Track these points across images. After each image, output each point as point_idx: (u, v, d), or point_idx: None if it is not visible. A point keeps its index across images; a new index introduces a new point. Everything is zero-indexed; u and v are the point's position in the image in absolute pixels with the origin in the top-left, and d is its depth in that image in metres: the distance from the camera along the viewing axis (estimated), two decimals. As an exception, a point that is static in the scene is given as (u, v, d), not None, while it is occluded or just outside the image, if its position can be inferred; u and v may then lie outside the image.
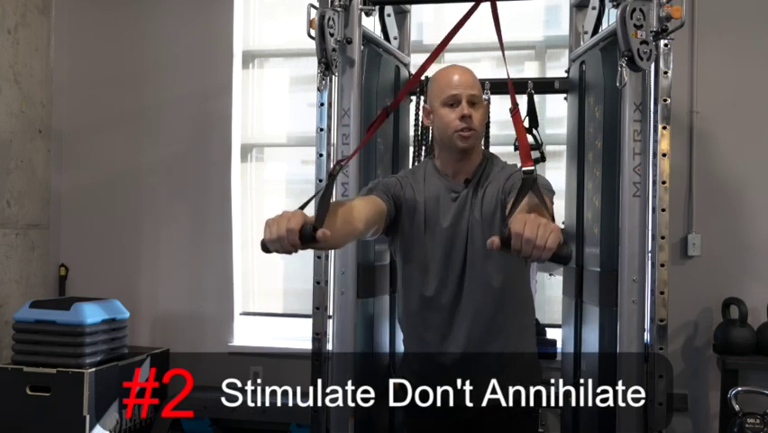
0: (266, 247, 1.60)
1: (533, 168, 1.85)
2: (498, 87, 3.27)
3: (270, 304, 4.41)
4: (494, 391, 2.03)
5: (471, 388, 2.03)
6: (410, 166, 3.25)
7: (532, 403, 2.10)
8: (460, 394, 2.05)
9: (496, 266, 2.00)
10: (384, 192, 2.02)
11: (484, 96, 3.07)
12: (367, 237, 2.01)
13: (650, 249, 2.65)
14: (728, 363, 3.48)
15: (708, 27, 3.72)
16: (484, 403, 2.04)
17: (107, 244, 4.41)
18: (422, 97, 3.32)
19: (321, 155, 2.82)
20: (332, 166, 2.70)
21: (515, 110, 2.02)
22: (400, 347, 2.34)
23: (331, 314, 2.78)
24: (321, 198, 1.69)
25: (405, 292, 2.13)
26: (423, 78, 3.34)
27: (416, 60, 3.86)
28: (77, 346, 3.64)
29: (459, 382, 2.04)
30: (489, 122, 3.19)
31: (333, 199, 2.71)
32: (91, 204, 4.44)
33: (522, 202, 1.72)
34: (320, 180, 2.84)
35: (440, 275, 2.04)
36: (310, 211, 1.67)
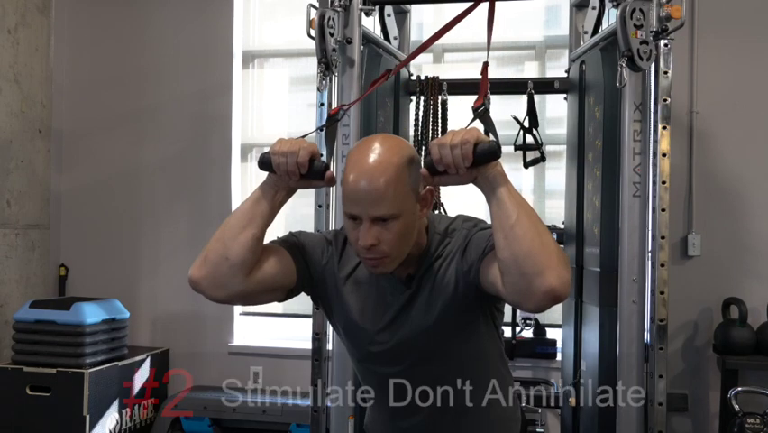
0: (267, 161, 1.48)
1: (483, 104, 1.56)
2: (499, 86, 3.27)
3: (270, 304, 4.40)
4: None
5: None
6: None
7: None
8: None
9: (454, 360, 1.61)
10: (300, 253, 1.61)
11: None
12: (244, 300, 1.64)
13: (650, 249, 2.65)
14: (728, 363, 3.48)
15: (708, 27, 3.72)
16: None
17: (107, 244, 4.41)
18: (422, 97, 3.32)
19: (321, 155, 2.82)
20: (332, 109, 2.56)
21: (484, 69, 1.71)
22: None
23: (331, 314, 2.77)
24: (328, 142, 1.60)
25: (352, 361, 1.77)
26: (423, 77, 3.37)
27: (417, 60, 3.87)
28: (77, 346, 3.64)
29: None
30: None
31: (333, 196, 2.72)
32: (91, 204, 4.45)
33: None
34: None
35: (381, 378, 1.67)
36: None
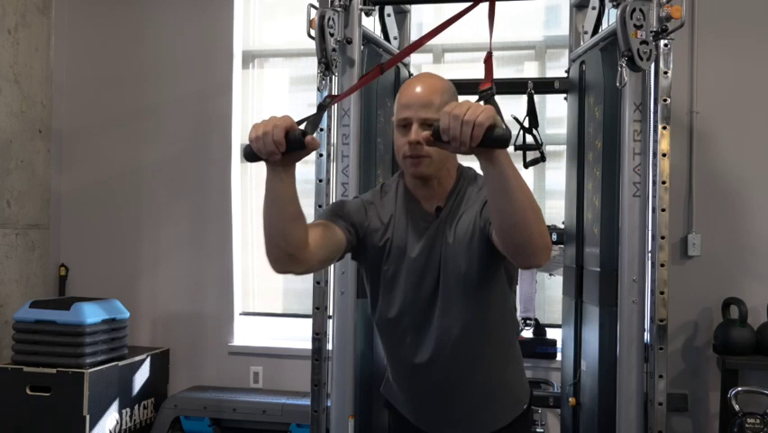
0: (250, 152, 1.50)
1: (491, 87, 1.66)
2: (499, 87, 3.26)
3: (270, 304, 4.41)
4: (476, 424, 1.91)
5: (450, 420, 1.91)
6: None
7: (518, 426, 1.96)
8: (439, 425, 1.93)
9: (473, 298, 1.78)
10: (346, 220, 1.80)
11: (474, 98, 3.07)
12: (317, 269, 1.85)
13: (650, 249, 2.66)
14: (728, 363, 3.48)
15: (708, 27, 3.72)
16: None
17: (107, 244, 4.41)
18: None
19: (321, 155, 2.83)
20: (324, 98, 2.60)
21: (488, 57, 1.77)
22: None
23: (331, 314, 2.78)
24: (310, 119, 1.57)
25: (376, 321, 1.93)
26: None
27: (417, 60, 3.87)
28: (77, 346, 3.64)
29: (437, 414, 1.91)
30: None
31: (333, 198, 2.73)
32: (91, 204, 4.45)
33: None
34: (320, 181, 2.84)
35: (408, 308, 1.83)
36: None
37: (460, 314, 1.78)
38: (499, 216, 1.50)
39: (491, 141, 1.35)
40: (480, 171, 1.69)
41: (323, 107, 1.70)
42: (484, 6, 1.91)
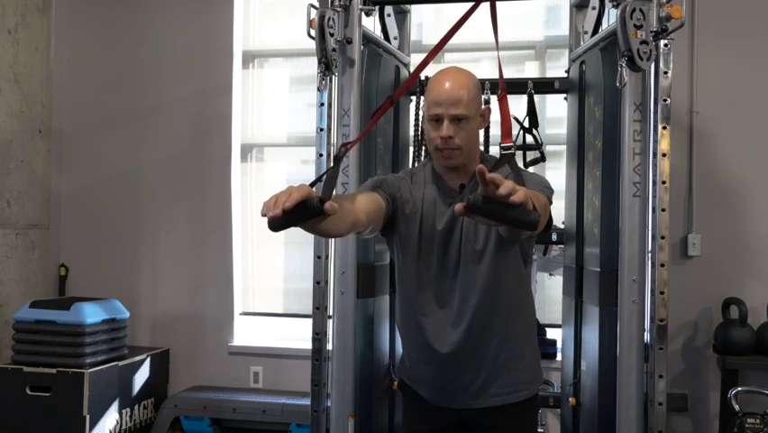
0: (270, 224, 1.45)
1: (510, 144, 1.94)
2: (504, 83, 3.26)
3: (270, 304, 4.41)
4: (490, 394, 2.04)
5: (467, 390, 2.04)
6: (410, 166, 3.25)
7: (529, 408, 2.11)
8: (455, 395, 2.06)
9: (490, 269, 1.97)
10: (384, 191, 1.99)
11: (484, 97, 3.08)
12: (364, 234, 1.97)
13: (650, 249, 2.65)
14: (728, 363, 3.48)
15: (708, 27, 3.72)
16: (479, 406, 2.05)
17: (107, 244, 4.42)
18: (422, 97, 3.32)
19: (321, 155, 2.83)
20: (336, 151, 2.68)
21: (502, 95, 2.03)
22: (400, 347, 2.34)
23: (331, 314, 2.78)
24: (327, 177, 1.63)
25: (401, 292, 2.11)
26: (423, 77, 3.38)
27: (416, 60, 3.86)
28: (77, 346, 3.64)
29: (454, 383, 2.04)
30: (489, 125, 3.19)
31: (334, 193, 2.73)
32: (91, 204, 4.45)
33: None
34: (320, 180, 2.84)
35: (435, 277, 2.01)
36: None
37: (478, 284, 1.96)
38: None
39: (518, 221, 1.45)
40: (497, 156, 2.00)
41: (338, 159, 1.86)
42: (484, 7, 1.92)
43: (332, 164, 1.76)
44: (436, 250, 2.00)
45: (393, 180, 2.06)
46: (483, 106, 2.01)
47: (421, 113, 3.02)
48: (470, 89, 1.94)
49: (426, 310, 2.03)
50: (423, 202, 2.02)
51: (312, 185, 1.54)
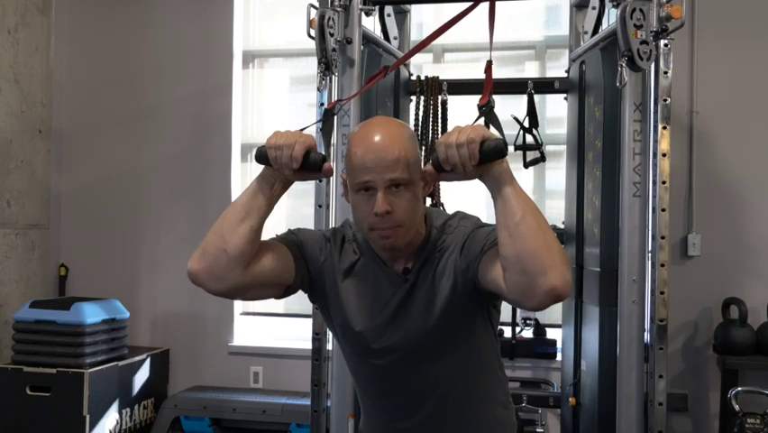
0: (262, 155, 1.47)
1: (488, 102, 1.61)
2: (499, 87, 3.26)
3: (270, 304, 4.41)
4: None
5: None
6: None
7: None
8: None
9: (457, 354, 1.59)
10: (300, 250, 1.59)
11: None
12: (239, 294, 1.59)
13: (650, 249, 2.65)
14: (728, 363, 3.48)
15: (708, 27, 3.72)
16: None
17: (107, 244, 4.41)
18: (422, 97, 3.32)
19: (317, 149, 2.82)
20: (329, 104, 2.60)
21: (488, 67, 1.75)
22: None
23: (331, 314, 2.77)
24: (323, 133, 1.59)
25: (349, 369, 1.75)
26: (423, 77, 3.37)
27: (416, 60, 3.87)
28: (77, 346, 3.64)
29: None
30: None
31: (334, 196, 2.72)
32: (91, 204, 4.45)
33: None
34: (320, 181, 2.84)
35: (377, 379, 1.65)
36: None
37: (439, 381, 1.60)
38: (511, 243, 1.36)
39: (488, 153, 1.38)
40: (447, 214, 1.63)
41: (331, 113, 1.70)
42: (484, 6, 1.91)
43: (324, 118, 1.66)
44: (376, 351, 1.60)
45: (316, 240, 1.63)
46: (423, 169, 1.50)
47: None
48: (407, 144, 1.49)
49: (374, 408, 1.71)
50: (353, 293, 1.59)
51: (303, 129, 1.54)
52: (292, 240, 1.60)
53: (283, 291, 1.59)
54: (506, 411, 1.73)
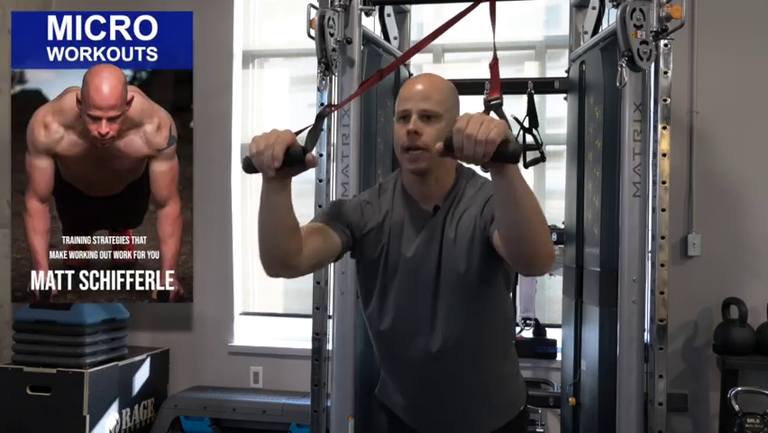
0: (249, 164, 1.51)
1: (498, 97, 1.68)
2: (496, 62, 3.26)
3: (270, 304, 4.41)
4: (473, 424, 1.90)
5: (447, 421, 1.90)
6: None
7: (515, 427, 1.96)
8: (435, 426, 1.93)
9: (472, 301, 1.77)
10: (342, 221, 1.79)
11: (483, 96, 3.08)
12: (310, 272, 1.82)
13: (650, 249, 2.66)
14: (728, 363, 3.48)
15: (708, 27, 3.72)
16: None
17: (107, 244, 4.41)
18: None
19: (321, 155, 2.83)
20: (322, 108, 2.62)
21: (494, 63, 1.77)
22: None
23: (331, 314, 2.78)
24: (310, 132, 1.59)
25: (369, 325, 1.92)
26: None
27: (416, 60, 3.87)
28: (77, 346, 3.64)
29: (433, 415, 1.91)
30: None
31: (333, 195, 2.73)
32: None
33: None
34: (320, 181, 2.84)
35: (404, 309, 1.81)
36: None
37: (457, 314, 1.77)
38: (506, 226, 1.51)
39: (503, 157, 1.38)
40: (477, 169, 1.76)
41: (321, 117, 1.70)
42: (484, 6, 1.91)
43: (315, 122, 1.67)
44: (406, 281, 1.80)
45: (354, 206, 1.84)
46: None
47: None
48: (445, 91, 1.78)
49: (397, 346, 1.85)
50: (390, 228, 1.82)
51: (298, 132, 1.57)
52: (334, 213, 1.82)
53: (341, 254, 1.80)
54: (516, 373, 1.97)
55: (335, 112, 2.75)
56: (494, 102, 1.66)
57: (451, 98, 1.78)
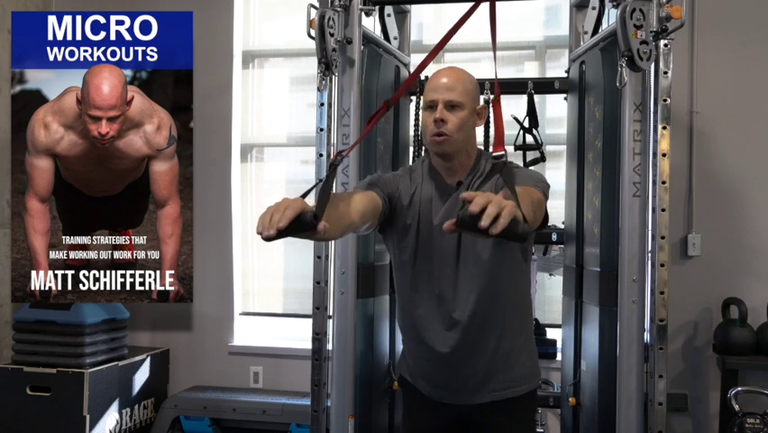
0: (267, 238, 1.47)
1: (503, 153, 1.93)
2: (499, 87, 3.26)
3: (270, 304, 4.41)
4: (489, 390, 2.04)
5: (466, 386, 2.05)
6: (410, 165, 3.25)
7: (528, 403, 2.12)
8: (454, 391, 2.07)
9: (490, 266, 1.97)
10: (382, 189, 2.00)
11: (483, 97, 3.08)
12: (360, 232, 2.02)
13: (650, 249, 2.66)
14: (728, 363, 3.48)
15: (708, 27, 3.72)
16: (479, 401, 2.05)
17: (107, 244, 4.41)
18: (421, 97, 3.32)
19: (321, 155, 2.83)
20: (332, 156, 2.71)
21: (496, 100, 2.03)
22: (400, 347, 2.34)
23: (331, 314, 2.78)
24: (322, 189, 1.59)
25: (399, 291, 2.12)
26: (423, 77, 3.38)
27: (416, 60, 3.87)
28: (77, 346, 3.64)
29: (454, 379, 2.05)
30: (488, 122, 3.19)
31: (334, 191, 2.73)
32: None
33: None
34: (320, 180, 2.84)
35: (432, 274, 2.02)
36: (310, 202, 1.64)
37: (478, 281, 1.97)
38: None
39: (506, 235, 1.41)
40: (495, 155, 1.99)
41: (334, 166, 1.81)
42: (484, 7, 1.92)
43: (328, 173, 1.70)
44: (434, 247, 2.01)
45: (391, 178, 2.07)
46: (480, 106, 2.04)
47: (420, 113, 2.99)
48: (467, 83, 2.00)
49: (424, 308, 2.04)
50: (420, 199, 2.04)
51: (305, 195, 1.57)
52: (375, 181, 2.03)
53: (381, 218, 1.99)
54: (530, 344, 2.13)
55: (335, 114, 2.76)
56: (497, 161, 1.91)
57: (474, 91, 2.01)
